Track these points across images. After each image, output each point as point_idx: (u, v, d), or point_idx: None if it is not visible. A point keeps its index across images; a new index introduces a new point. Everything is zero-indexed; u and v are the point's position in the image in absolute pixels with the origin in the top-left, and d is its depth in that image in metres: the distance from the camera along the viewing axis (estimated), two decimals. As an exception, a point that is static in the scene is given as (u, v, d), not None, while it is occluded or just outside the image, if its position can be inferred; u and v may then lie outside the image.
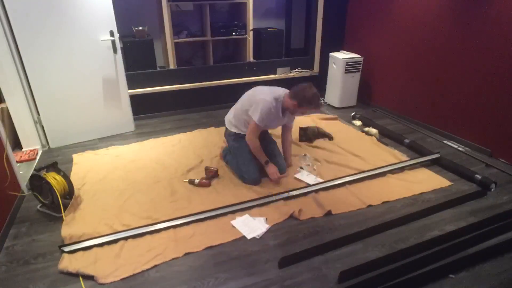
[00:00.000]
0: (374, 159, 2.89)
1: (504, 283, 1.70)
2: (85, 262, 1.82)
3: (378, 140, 3.28)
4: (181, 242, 1.97)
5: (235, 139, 2.63)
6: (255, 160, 2.57)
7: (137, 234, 2.02)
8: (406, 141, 3.15)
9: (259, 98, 2.40)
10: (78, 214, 2.23)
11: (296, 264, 1.82)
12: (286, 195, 2.38)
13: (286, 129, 2.71)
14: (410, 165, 2.78)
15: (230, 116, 2.65)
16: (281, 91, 2.46)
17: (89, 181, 2.61)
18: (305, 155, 2.98)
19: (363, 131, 3.47)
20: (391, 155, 2.97)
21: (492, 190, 2.43)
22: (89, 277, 1.74)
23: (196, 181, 2.54)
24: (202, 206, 2.28)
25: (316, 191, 2.44)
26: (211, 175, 2.62)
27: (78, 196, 2.40)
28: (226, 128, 2.71)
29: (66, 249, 1.89)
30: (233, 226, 2.10)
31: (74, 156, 3.01)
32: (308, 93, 2.28)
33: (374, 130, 3.40)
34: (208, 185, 2.53)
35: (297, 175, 2.64)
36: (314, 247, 1.92)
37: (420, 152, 2.98)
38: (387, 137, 3.36)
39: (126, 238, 1.99)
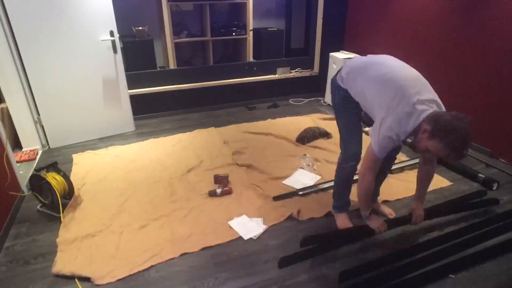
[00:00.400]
0: (374, 159, 2.88)
1: (504, 283, 1.70)
2: (80, 264, 1.81)
3: (378, 140, 3.27)
4: (177, 243, 1.97)
5: (344, 97, 1.96)
6: (358, 136, 2.08)
7: (133, 235, 2.02)
8: (408, 140, 3.14)
9: (399, 110, 1.64)
10: (78, 214, 2.23)
11: (296, 264, 1.82)
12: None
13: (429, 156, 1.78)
14: (410, 165, 2.77)
15: (350, 84, 1.90)
16: (427, 103, 1.66)
17: (89, 181, 2.61)
18: (305, 155, 2.97)
19: (363, 131, 3.45)
20: (391, 155, 2.96)
21: (494, 189, 2.45)
22: (85, 279, 1.74)
23: (218, 191, 2.40)
24: (201, 206, 2.29)
25: (316, 191, 2.44)
26: (225, 181, 2.51)
27: (78, 196, 2.40)
28: (335, 80, 1.99)
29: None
30: (230, 227, 2.10)
31: (74, 156, 3.01)
32: (460, 134, 1.56)
33: (374, 130, 3.39)
34: (231, 191, 2.44)
35: (285, 181, 2.56)
36: (314, 247, 1.92)
37: (420, 152, 2.97)
38: (387, 137, 3.35)
39: (122, 239, 1.99)
